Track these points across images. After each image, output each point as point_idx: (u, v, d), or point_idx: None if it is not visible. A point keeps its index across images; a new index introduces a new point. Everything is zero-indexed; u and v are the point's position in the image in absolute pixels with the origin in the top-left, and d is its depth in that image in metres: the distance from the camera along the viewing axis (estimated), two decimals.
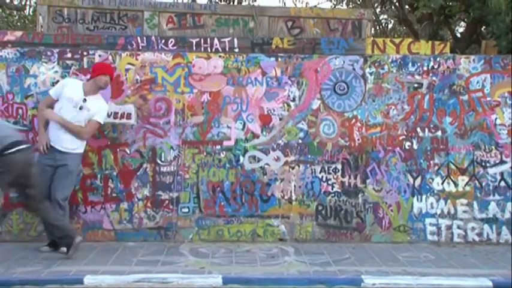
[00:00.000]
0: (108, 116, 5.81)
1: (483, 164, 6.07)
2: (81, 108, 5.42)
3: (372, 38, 7.05)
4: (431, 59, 6.15)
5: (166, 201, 5.96)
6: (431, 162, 6.06)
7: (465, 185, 6.06)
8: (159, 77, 5.99)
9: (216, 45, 6.40)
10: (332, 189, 6.03)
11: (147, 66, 5.99)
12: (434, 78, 6.10)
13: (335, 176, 6.04)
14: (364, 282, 4.59)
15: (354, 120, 6.07)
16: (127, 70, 5.97)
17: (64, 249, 5.30)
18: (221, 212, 5.99)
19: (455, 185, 6.06)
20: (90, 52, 5.98)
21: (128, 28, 7.04)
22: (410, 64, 6.11)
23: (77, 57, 5.94)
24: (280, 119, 6.04)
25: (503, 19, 7.56)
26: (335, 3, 13.26)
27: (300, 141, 6.05)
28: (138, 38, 6.38)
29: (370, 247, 5.79)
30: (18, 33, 6.44)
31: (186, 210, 5.97)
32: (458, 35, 11.65)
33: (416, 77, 6.11)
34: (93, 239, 5.84)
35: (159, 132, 5.97)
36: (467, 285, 4.61)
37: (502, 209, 6.05)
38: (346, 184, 6.04)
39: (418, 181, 6.05)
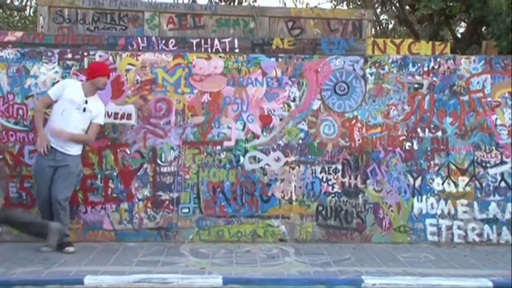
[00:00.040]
0: (109, 116, 5.82)
1: (483, 164, 6.07)
2: (84, 110, 5.44)
3: (373, 38, 7.06)
4: (432, 59, 6.15)
5: (167, 202, 5.96)
6: (432, 162, 6.05)
7: (465, 186, 6.06)
8: (159, 78, 5.99)
9: (217, 45, 6.41)
10: (332, 189, 6.03)
11: (147, 66, 5.99)
12: (434, 78, 6.10)
13: (335, 177, 6.04)
14: (365, 283, 4.58)
15: (354, 121, 6.07)
16: (127, 71, 5.97)
17: (70, 248, 5.34)
18: (221, 213, 5.99)
19: (456, 185, 6.06)
20: (91, 53, 5.98)
21: (128, 29, 7.04)
22: (410, 64, 6.11)
23: (78, 58, 5.94)
24: (281, 120, 6.04)
25: (503, 19, 7.56)
26: (335, 3, 13.26)
27: (300, 141, 6.05)
28: (139, 39, 6.39)
29: (371, 247, 5.79)
30: (19, 34, 6.46)
31: (187, 210, 5.97)
32: (459, 36, 11.63)
33: (417, 77, 6.11)
34: (93, 240, 5.85)
35: (160, 132, 5.97)
36: (467, 285, 4.60)
37: (503, 210, 6.05)
38: (347, 184, 6.04)
39: (418, 181, 6.05)
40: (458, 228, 6.04)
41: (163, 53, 6.10)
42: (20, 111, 5.87)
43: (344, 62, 6.09)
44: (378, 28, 14.21)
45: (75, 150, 5.48)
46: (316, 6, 11.73)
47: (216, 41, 6.42)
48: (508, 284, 4.59)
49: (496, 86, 6.11)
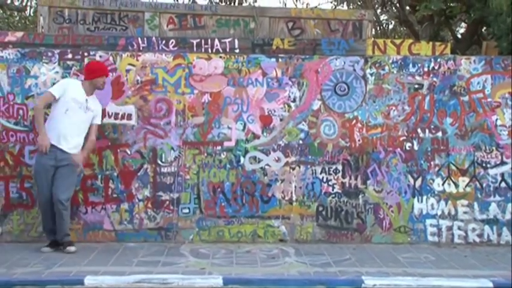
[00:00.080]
0: (109, 116, 5.83)
1: (484, 165, 6.06)
2: (87, 108, 5.46)
3: (373, 38, 7.07)
4: (432, 59, 6.15)
5: (167, 202, 5.96)
6: (432, 163, 6.05)
7: (466, 186, 6.05)
8: (159, 78, 5.99)
9: (217, 46, 6.41)
10: (333, 190, 6.03)
11: (147, 67, 5.99)
12: (434, 79, 6.10)
13: (335, 177, 6.04)
14: (365, 283, 4.57)
15: (354, 121, 6.07)
16: (128, 71, 5.97)
17: (71, 248, 5.35)
18: (222, 213, 5.99)
19: (456, 186, 6.05)
20: (91, 53, 5.98)
21: (128, 29, 7.05)
22: (411, 65, 6.11)
23: (78, 58, 5.94)
24: (281, 120, 6.04)
25: (504, 20, 7.55)
26: (336, 4, 13.25)
27: (301, 142, 6.04)
28: (139, 39, 6.39)
29: (371, 248, 5.78)
30: (19, 34, 6.46)
31: (187, 210, 5.97)
32: (459, 36, 11.63)
33: (417, 77, 6.11)
34: (93, 240, 5.84)
35: (160, 133, 5.97)
36: (467, 286, 4.60)
37: (503, 210, 6.04)
38: (347, 185, 6.04)
39: (418, 182, 6.05)
40: (459, 228, 6.04)
41: (164, 53, 6.10)
42: (20, 112, 5.87)
43: (344, 63, 6.09)
44: (378, 28, 14.20)
45: (79, 149, 5.49)
46: (316, 7, 11.72)
47: (217, 42, 6.42)
48: (508, 285, 4.59)
49: (496, 87, 6.10)
